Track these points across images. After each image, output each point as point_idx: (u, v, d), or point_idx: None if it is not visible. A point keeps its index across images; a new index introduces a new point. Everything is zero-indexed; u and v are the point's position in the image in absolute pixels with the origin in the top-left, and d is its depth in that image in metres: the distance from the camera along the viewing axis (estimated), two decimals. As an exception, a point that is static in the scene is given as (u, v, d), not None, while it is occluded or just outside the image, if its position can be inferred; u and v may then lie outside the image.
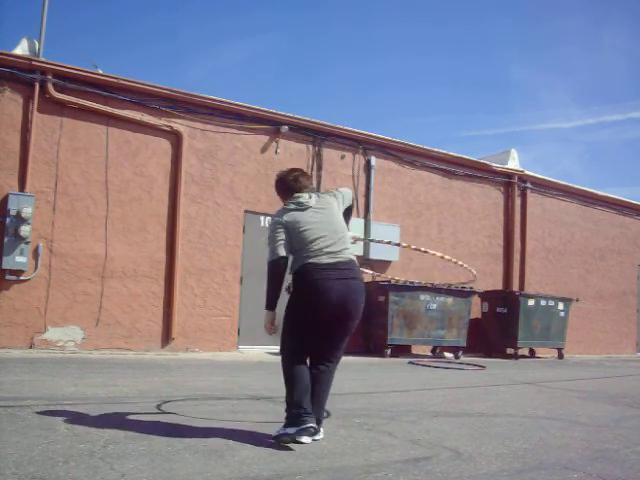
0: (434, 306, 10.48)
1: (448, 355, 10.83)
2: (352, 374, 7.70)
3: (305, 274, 3.57)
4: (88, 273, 8.55)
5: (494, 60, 42.67)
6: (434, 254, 3.74)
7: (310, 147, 10.58)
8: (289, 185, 4.02)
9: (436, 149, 11.99)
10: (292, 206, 3.87)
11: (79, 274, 8.48)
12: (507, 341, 11.56)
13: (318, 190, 10.40)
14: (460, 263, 3.91)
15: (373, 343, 10.50)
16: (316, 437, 3.51)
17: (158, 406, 4.45)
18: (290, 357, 3.63)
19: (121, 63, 37.63)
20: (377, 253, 10.93)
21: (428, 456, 3.34)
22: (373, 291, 10.51)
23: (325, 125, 10.64)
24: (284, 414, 3.54)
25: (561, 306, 12.09)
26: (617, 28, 40.66)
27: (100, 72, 8.90)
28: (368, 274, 11.02)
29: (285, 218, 3.79)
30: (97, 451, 3.06)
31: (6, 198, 8.02)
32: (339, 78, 42.06)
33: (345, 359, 10.52)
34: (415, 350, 11.17)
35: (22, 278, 8.09)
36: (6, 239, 7.94)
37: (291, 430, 3.38)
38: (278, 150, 10.26)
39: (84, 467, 2.79)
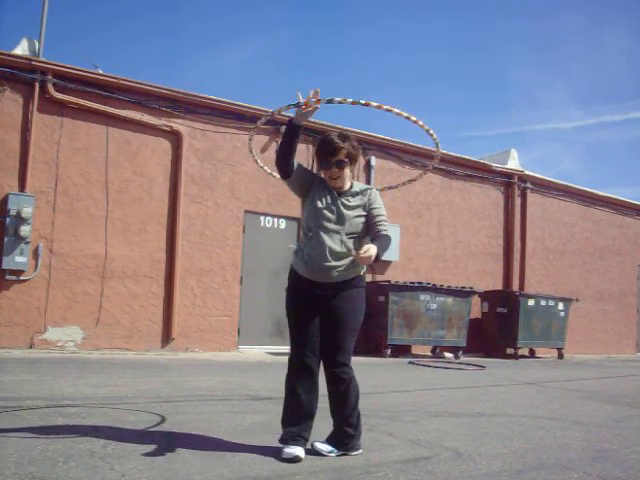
0: (434, 306, 10.48)
1: (448, 355, 10.83)
2: (352, 374, 7.69)
3: None
4: (88, 273, 8.55)
5: (495, 60, 42.69)
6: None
7: (310, 147, 10.57)
8: None
9: (436, 149, 11.97)
10: None
11: (79, 274, 8.48)
12: (507, 341, 11.56)
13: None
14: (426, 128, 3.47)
15: (373, 343, 10.50)
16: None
17: (158, 406, 4.45)
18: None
19: (121, 63, 37.66)
20: (377, 253, 10.91)
21: (428, 456, 3.34)
22: (373, 291, 10.51)
23: (325, 125, 10.63)
24: (280, 414, 3.45)
25: (561, 306, 12.08)
26: (617, 28, 40.69)
27: (100, 72, 8.90)
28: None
29: None
30: (97, 451, 3.06)
31: (6, 198, 8.02)
32: (339, 78, 42.07)
33: (345, 359, 10.41)
34: (415, 350, 11.17)
35: (22, 278, 8.09)
36: (6, 239, 7.94)
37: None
38: (278, 150, 10.25)
39: (84, 467, 2.79)
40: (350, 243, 3.31)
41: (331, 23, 41.47)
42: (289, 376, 3.35)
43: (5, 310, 7.98)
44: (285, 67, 42.21)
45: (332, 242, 3.27)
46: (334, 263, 3.27)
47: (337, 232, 3.29)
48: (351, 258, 3.27)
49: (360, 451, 3.32)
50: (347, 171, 3.36)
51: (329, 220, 3.29)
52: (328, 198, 3.33)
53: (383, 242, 3.28)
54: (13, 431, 3.40)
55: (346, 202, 3.34)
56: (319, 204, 3.32)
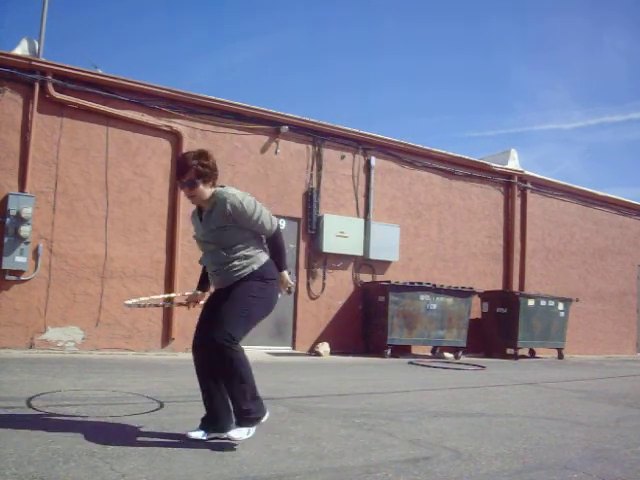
0: (434, 306, 10.48)
1: (448, 355, 10.82)
2: (352, 374, 7.70)
3: (273, 268, 3.61)
4: (88, 273, 8.55)
5: (495, 60, 42.69)
6: None
7: (310, 147, 10.58)
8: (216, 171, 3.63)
9: (436, 149, 11.98)
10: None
11: (79, 274, 8.48)
12: (507, 341, 11.55)
13: (318, 191, 10.49)
14: None
15: (373, 343, 10.50)
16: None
17: (158, 406, 4.45)
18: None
19: (122, 63, 37.64)
20: (377, 253, 10.92)
21: (428, 456, 3.34)
22: (373, 291, 10.52)
23: (325, 125, 10.64)
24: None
25: (561, 306, 12.08)
26: (618, 29, 40.69)
27: (100, 72, 8.90)
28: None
29: None
30: (97, 451, 3.06)
31: (6, 198, 8.02)
32: (339, 78, 42.06)
33: (345, 359, 10.47)
34: (415, 350, 11.16)
35: (22, 278, 8.09)
36: (6, 239, 7.94)
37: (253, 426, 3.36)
38: (278, 150, 10.26)
39: (84, 467, 2.79)
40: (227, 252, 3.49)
41: (331, 23, 41.46)
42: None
43: (5, 310, 7.98)
44: (285, 67, 42.20)
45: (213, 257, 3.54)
46: (220, 267, 3.53)
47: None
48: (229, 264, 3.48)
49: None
50: (201, 188, 3.46)
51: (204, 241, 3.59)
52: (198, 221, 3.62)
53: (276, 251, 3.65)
54: (13, 431, 3.39)
55: (209, 219, 3.51)
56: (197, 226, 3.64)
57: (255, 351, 9.67)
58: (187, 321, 9.22)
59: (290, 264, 10.19)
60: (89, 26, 32.63)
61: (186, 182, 3.45)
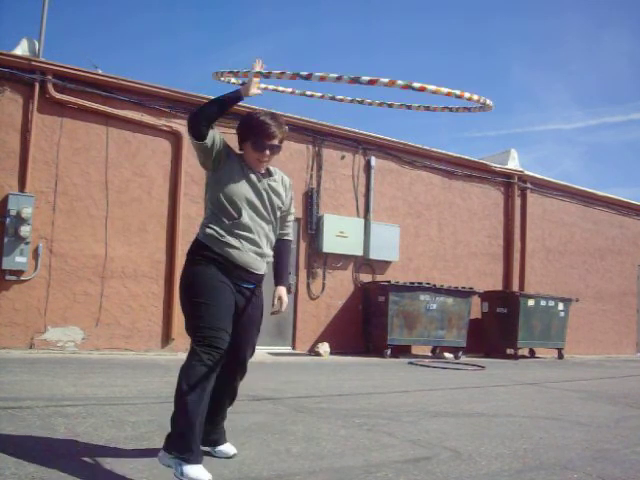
0: (434, 306, 10.48)
1: (448, 355, 10.82)
2: (352, 374, 7.70)
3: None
4: (88, 273, 8.55)
5: (495, 60, 42.70)
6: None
7: (310, 147, 10.57)
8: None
9: (436, 149, 11.98)
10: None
11: (79, 274, 8.48)
12: (507, 341, 11.55)
13: (318, 191, 10.49)
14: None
15: (373, 343, 10.50)
16: None
17: (158, 406, 4.45)
18: None
19: (122, 63, 37.65)
20: (377, 253, 10.92)
21: (428, 456, 3.34)
22: (373, 291, 10.51)
23: (325, 125, 10.64)
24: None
25: (561, 306, 12.08)
26: (619, 29, 40.70)
27: (100, 72, 8.90)
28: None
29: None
30: (97, 451, 3.06)
31: (6, 198, 8.01)
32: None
33: (345, 359, 10.45)
34: (415, 350, 11.17)
35: (22, 278, 8.08)
36: (6, 239, 7.93)
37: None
38: (278, 150, 10.25)
39: (84, 467, 2.79)
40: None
41: (330, 22, 41.46)
42: (195, 371, 2.86)
43: (5, 310, 7.98)
44: (287, 66, 42.14)
45: (266, 228, 3.01)
46: (267, 251, 3.06)
47: (266, 218, 3.02)
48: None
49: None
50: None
51: (258, 204, 2.97)
52: (253, 178, 2.97)
53: (289, 259, 3.27)
54: (13, 431, 3.39)
55: (274, 186, 3.05)
56: (246, 181, 2.95)
57: (256, 351, 9.67)
58: (187, 321, 9.22)
59: (290, 264, 10.20)
60: (89, 25, 32.65)
61: (278, 145, 3.00)
